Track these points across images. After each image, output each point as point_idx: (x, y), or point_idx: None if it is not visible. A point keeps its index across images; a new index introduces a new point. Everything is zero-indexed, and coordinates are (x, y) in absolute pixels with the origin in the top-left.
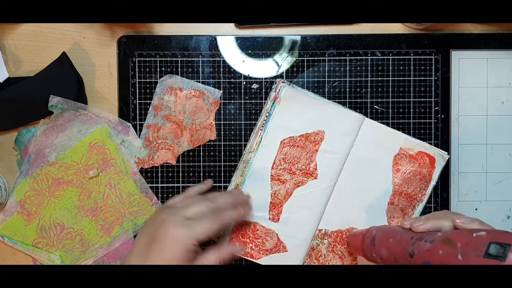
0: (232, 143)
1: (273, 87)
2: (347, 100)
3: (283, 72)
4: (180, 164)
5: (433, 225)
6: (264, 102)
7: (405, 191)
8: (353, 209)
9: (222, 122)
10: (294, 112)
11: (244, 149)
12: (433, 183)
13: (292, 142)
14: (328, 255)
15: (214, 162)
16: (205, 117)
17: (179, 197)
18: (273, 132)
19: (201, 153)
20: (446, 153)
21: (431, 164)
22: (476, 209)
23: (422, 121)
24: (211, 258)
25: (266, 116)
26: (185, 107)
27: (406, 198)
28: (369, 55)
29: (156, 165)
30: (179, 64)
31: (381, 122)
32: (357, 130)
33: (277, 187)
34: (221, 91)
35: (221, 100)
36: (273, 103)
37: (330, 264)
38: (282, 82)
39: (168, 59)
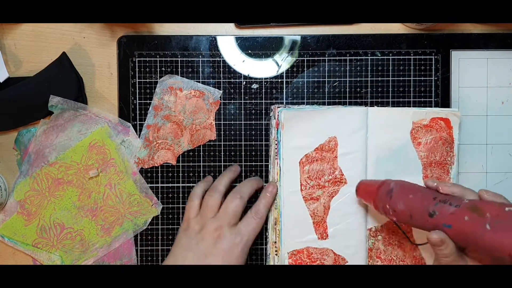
0: (232, 143)
1: (270, 114)
2: (347, 100)
3: (283, 72)
4: (180, 164)
5: (460, 190)
6: (266, 127)
7: (433, 160)
8: None
9: (222, 122)
10: (300, 130)
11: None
12: (456, 142)
13: (309, 159)
14: (387, 249)
15: (214, 162)
16: (205, 117)
17: (211, 195)
18: (288, 156)
19: (201, 153)
20: (456, 109)
21: (447, 125)
22: None
23: None
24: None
25: (276, 144)
26: (185, 107)
27: (437, 166)
28: (369, 55)
29: (156, 165)
30: (179, 64)
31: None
32: (365, 122)
33: (313, 206)
34: (221, 91)
35: (221, 100)
36: (277, 130)
37: (393, 255)
38: (278, 107)
39: (168, 59)
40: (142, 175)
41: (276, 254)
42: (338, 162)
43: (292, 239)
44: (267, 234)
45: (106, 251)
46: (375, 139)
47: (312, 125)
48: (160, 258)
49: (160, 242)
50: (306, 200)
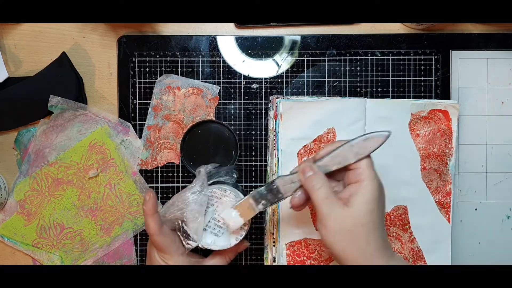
0: None
1: (269, 105)
2: None
3: (283, 72)
4: (180, 164)
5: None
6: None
7: (432, 152)
8: (391, 188)
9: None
10: (298, 121)
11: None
12: (455, 134)
13: (308, 150)
14: None
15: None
16: (205, 114)
17: None
18: (287, 147)
19: None
20: (456, 101)
21: (446, 117)
22: (476, 209)
23: None
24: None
25: (274, 135)
26: (184, 106)
27: (435, 158)
28: (369, 55)
29: (160, 165)
30: (179, 64)
31: None
32: (363, 113)
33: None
34: (219, 87)
35: (220, 98)
36: (275, 121)
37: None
38: (276, 98)
39: (168, 59)
40: (143, 175)
41: (274, 245)
42: None
43: (290, 230)
44: (264, 225)
45: (106, 251)
46: (373, 130)
47: (311, 116)
48: None
49: None
50: None
